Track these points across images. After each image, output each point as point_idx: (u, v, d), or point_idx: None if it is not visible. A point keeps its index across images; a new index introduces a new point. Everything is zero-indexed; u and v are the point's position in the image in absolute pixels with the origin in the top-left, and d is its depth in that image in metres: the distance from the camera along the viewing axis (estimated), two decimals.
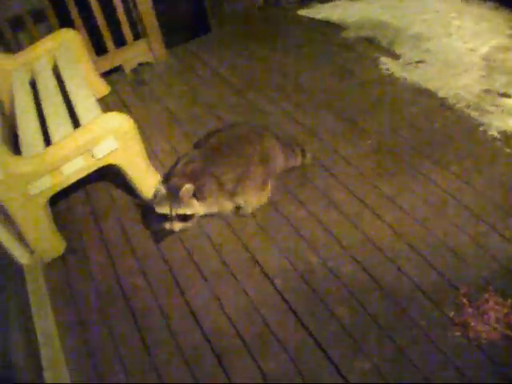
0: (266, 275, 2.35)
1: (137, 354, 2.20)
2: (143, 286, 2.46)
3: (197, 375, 2.06)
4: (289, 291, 2.27)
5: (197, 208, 2.39)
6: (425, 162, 2.75)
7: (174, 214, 2.31)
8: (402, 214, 2.50)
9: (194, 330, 2.22)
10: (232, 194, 2.53)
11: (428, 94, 3.27)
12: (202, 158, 2.50)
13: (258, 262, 2.42)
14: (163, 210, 2.31)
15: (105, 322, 2.36)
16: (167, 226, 2.34)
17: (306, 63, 3.86)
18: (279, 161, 2.70)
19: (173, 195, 2.30)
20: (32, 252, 2.63)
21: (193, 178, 2.39)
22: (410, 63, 3.58)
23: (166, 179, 2.49)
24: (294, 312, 2.18)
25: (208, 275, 2.43)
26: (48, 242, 2.67)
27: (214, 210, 2.55)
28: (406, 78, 3.43)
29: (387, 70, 3.55)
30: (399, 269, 2.25)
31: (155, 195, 2.38)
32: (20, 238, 2.58)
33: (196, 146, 2.77)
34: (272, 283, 2.31)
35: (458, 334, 1.98)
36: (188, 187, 2.29)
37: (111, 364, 2.19)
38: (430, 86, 3.32)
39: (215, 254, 2.52)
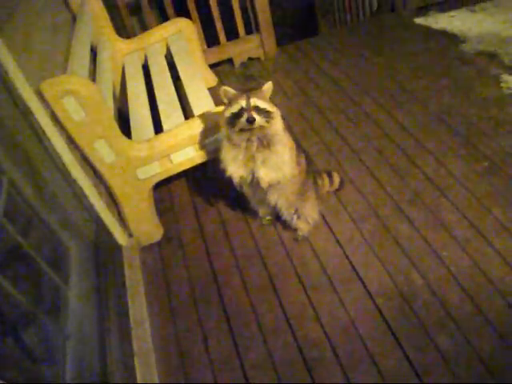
0: (367, 291, 2.26)
1: (225, 352, 2.18)
2: (238, 283, 2.44)
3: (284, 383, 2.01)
4: (389, 310, 2.17)
5: (274, 109, 2.09)
6: None
7: (251, 103, 2.02)
8: None
9: (286, 336, 2.17)
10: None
11: None
12: None
13: (359, 276, 2.33)
14: (238, 105, 2.03)
15: (196, 313, 2.36)
16: (244, 117, 2.02)
17: (421, 74, 3.71)
18: None
19: (253, 88, 2.08)
20: (131, 235, 2.67)
21: None
22: None
23: None
24: (393, 333, 2.08)
25: (306, 282, 2.37)
26: (147, 227, 2.70)
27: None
28: None
29: (509, 88, 3.34)
30: (510, 305, 2.09)
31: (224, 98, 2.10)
32: (121, 220, 2.62)
33: None
34: (372, 300, 2.22)
35: None
36: (271, 84, 2.08)
37: (198, 359, 2.18)
38: None
39: (316, 262, 2.46)
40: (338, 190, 2.83)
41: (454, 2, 4.60)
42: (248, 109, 2.02)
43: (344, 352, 2.06)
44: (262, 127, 2.07)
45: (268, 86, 2.09)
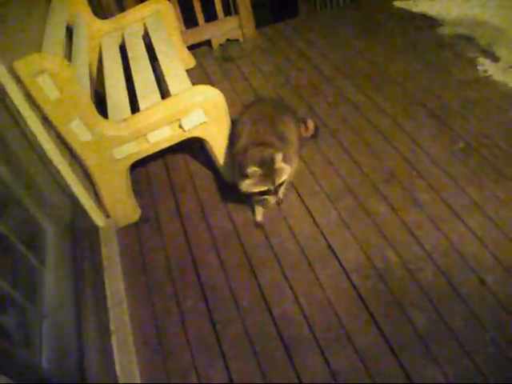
0: (343, 269, 2.29)
1: (203, 331, 2.19)
2: (215, 263, 2.45)
3: (262, 361, 2.03)
4: (365, 288, 2.19)
5: (288, 169, 2.31)
6: None
7: (277, 185, 2.26)
8: (488, 224, 2.37)
9: (263, 315, 2.18)
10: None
11: None
12: (261, 127, 2.48)
13: (335, 254, 2.36)
14: (265, 186, 2.25)
15: (173, 293, 2.36)
16: (273, 200, 2.31)
17: (398, 56, 3.73)
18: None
19: (270, 168, 2.23)
20: (108, 216, 2.66)
21: (270, 144, 2.36)
22: (510, 67, 3.37)
23: (243, 153, 2.35)
24: (368, 310, 2.11)
25: (283, 261, 2.39)
26: (124, 207, 2.69)
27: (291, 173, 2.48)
28: (504, 82, 3.24)
29: (485, 71, 3.37)
30: (482, 281, 2.13)
31: (247, 176, 2.25)
32: (98, 200, 2.61)
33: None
34: (348, 278, 2.25)
35: None
36: (280, 155, 2.24)
37: (176, 337, 2.19)
38: None
39: (293, 240, 2.48)
40: (313, 136, 3.05)
41: None
42: (276, 191, 2.28)
43: (320, 329, 2.09)
44: None
45: (278, 159, 2.23)
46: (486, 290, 2.10)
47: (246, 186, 2.27)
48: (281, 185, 2.29)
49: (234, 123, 2.64)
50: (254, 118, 2.53)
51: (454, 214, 2.44)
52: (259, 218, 2.60)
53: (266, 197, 2.31)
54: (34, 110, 2.14)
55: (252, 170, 2.20)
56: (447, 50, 3.70)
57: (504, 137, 2.82)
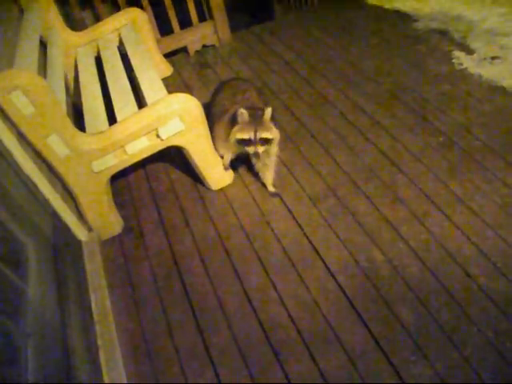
0: (329, 270, 2.28)
1: (190, 339, 2.17)
2: (200, 270, 2.43)
3: (252, 367, 2.01)
4: (351, 288, 2.19)
5: (274, 132, 2.46)
6: (499, 163, 2.61)
7: (258, 137, 2.39)
8: (472, 217, 2.38)
9: (250, 320, 2.17)
10: None
11: (503, 92, 3.10)
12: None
13: (320, 256, 2.35)
14: (247, 135, 2.40)
15: (159, 304, 2.34)
16: (251, 149, 2.43)
17: (374, 53, 3.75)
18: None
19: (257, 119, 2.39)
20: (90, 230, 2.63)
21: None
22: (484, 59, 3.41)
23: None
24: (356, 310, 2.11)
25: (268, 265, 2.38)
26: (106, 220, 2.66)
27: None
28: (479, 75, 3.27)
29: (460, 64, 3.40)
30: (467, 274, 2.14)
31: (236, 119, 2.43)
32: (79, 214, 2.58)
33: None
34: (334, 279, 2.24)
35: None
36: (270, 110, 2.39)
37: (165, 348, 2.16)
38: (506, 83, 3.15)
39: (277, 243, 2.47)
40: None
41: None
42: (255, 142, 2.41)
43: (309, 332, 2.08)
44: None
45: (268, 112, 2.40)
46: (471, 282, 2.11)
47: (235, 131, 2.44)
48: (264, 141, 2.42)
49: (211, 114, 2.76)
50: (233, 93, 2.74)
51: (437, 209, 2.45)
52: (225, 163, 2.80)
53: (246, 148, 2.45)
54: (9, 125, 2.11)
55: (241, 111, 2.36)
56: (422, 44, 3.73)
57: (482, 129, 2.84)
